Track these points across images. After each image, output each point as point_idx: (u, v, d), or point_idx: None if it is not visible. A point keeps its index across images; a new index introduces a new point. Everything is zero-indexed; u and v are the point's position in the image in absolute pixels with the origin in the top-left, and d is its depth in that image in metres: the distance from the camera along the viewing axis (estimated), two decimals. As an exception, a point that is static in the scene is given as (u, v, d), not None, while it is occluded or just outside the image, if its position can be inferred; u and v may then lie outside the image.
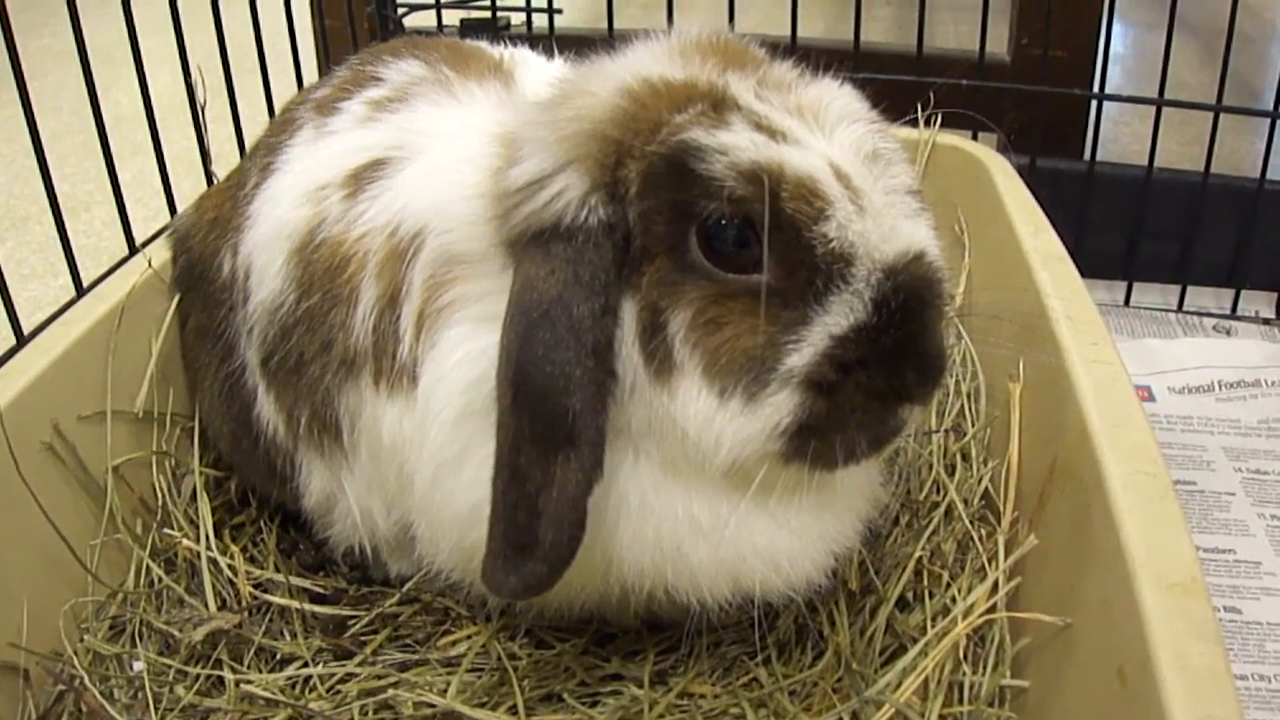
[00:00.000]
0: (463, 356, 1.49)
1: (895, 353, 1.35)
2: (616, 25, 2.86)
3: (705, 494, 1.47)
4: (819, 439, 1.38)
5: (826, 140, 1.39)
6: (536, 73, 1.82)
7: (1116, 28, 5.26)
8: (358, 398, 1.64)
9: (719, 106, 1.38)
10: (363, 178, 1.67)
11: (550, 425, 1.34)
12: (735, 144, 1.33)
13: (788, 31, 2.90)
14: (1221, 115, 2.88)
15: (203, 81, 2.32)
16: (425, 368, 1.53)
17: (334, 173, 1.70)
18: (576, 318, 1.34)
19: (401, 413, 1.58)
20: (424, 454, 1.55)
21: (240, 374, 1.82)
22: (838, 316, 1.34)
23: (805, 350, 1.34)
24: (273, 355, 1.72)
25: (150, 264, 1.99)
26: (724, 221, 1.33)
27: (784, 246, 1.34)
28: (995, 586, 1.62)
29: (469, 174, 1.50)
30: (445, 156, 1.61)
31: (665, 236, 1.37)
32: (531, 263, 1.37)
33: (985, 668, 1.58)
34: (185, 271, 1.98)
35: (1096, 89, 2.97)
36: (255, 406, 1.80)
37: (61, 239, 2.11)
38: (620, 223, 1.37)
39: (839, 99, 1.45)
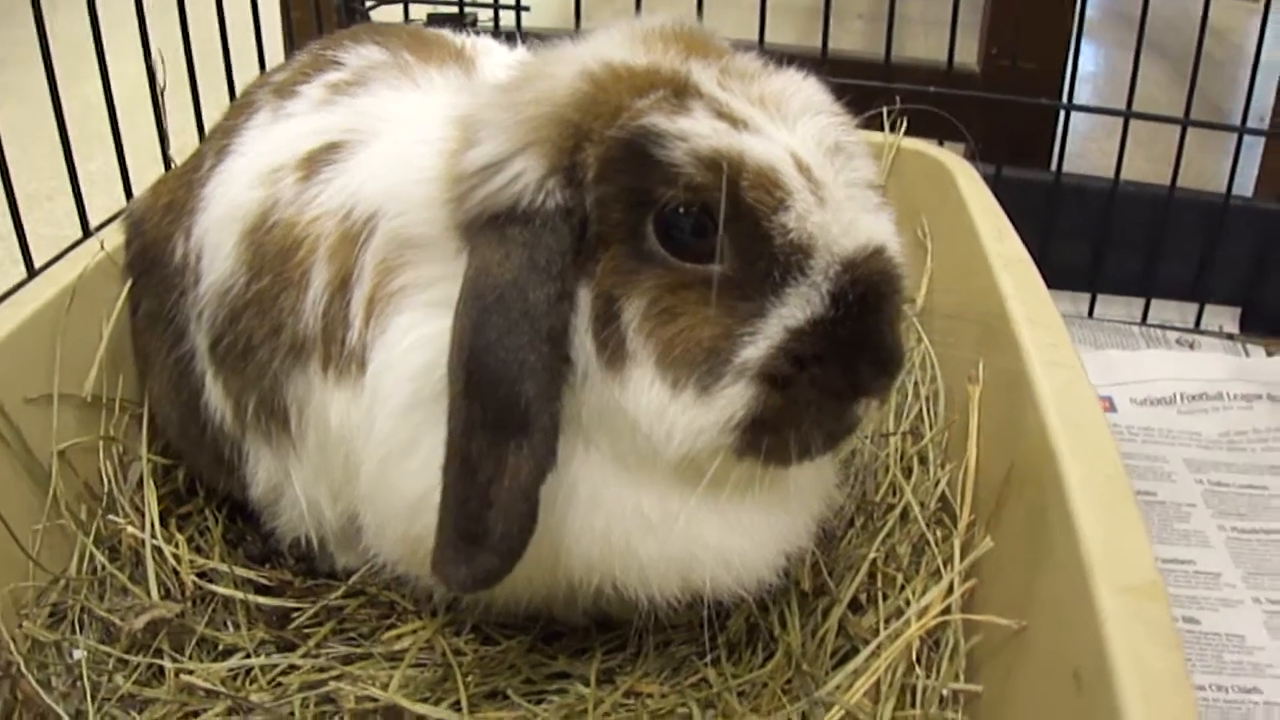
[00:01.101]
0: (412, 342, 1.47)
1: (851, 347, 1.34)
2: (590, 26, 2.84)
3: (656, 488, 1.44)
4: (772, 434, 1.37)
5: (788, 131, 1.37)
6: (498, 60, 1.81)
7: (1087, 47, 5.31)
8: (305, 384, 1.62)
9: (680, 93, 1.37)
10: (317, 160, 1.65)
11: (503, 412, 1.32)
12: (696, 131, 1.32)
13: (773, 42, 2.88)
14: (1190, 135, 2.88)
15: (163, 65, 2.29)
16: (374, 354, 1.51)
17: (289, 155, 1.68)
18: (532, 303, 1.32)
19: (349, 400, 1.56)
20: (371, 442, 1.52)
21: (189, 359, 1.79)
22: (794, 309, 1.33)
23: (760, 343, 1.33)
24: (221, 339, 1.69)
25: (103, 246, 1.95)
26: (682, 209, 1.32)
27: (742, 236, 1.32)
28: (950, 589, 1.60)
29: (424, 157, 1.48)
30: (401, 140, 1.60)
31: (622, 223, 1.35)
32: (486, 246, 1.35)
33: (938, 671, 1.56)
34: (139, 255, 1.95)
35: (1065, 101, 2.97)
36: (204, 393, 1.77)
37: (15, 223, 2.08)
38: (578, 207, 1.35)
39: (802, 90, 1.43)
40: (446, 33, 1.93)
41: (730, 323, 1.33)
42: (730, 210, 1.30)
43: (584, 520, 1.45)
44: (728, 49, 1.51)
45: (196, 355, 1.78)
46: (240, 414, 1.72)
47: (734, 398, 1.34)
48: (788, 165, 1.33)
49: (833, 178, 1.35)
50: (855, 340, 1.34)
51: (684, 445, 1.37)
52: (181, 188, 1.87)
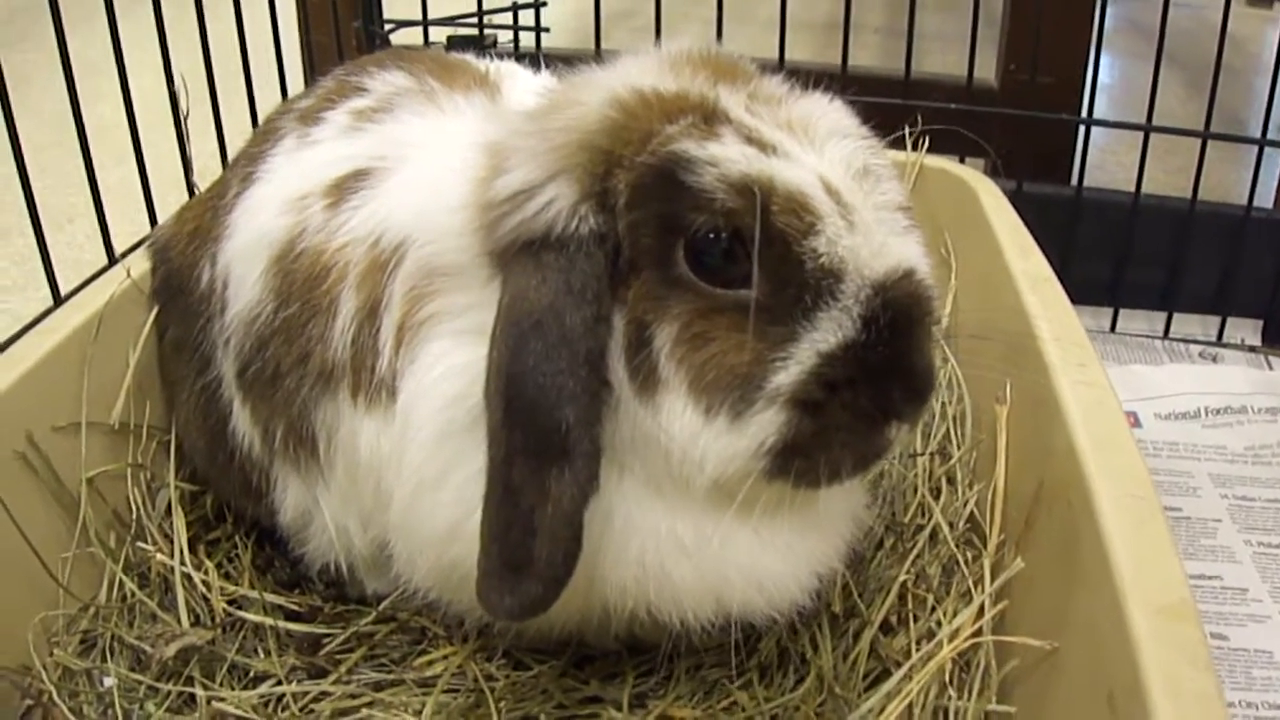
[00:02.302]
0: (444, 371, 1.47)
1: (882, 371, 1.33)
2: (609, 46, 2.85)
3: (689, 512, 1.45)
4: (803, 457, 1.36)
5: (817, 155, 1.37)
6: (523, 85, 1.81)
7: (1105, 59, 5.28)
8: (335, 412, 1.61)
9: (710, 119, 1.36)
10: (345, 187, 1.65)
11: (544, 438, 1.31)
12: (726, 156, 1.31)
13: (776, 55, 2.89)
14: (1209, 146, 2.88)
15: (185, 90, 2.30)
16: (404, 382, 1.51)
17: (316, 182, 1.68)
18: (569, 327, 1.31)
19: (379, 428, 1.56)
20: (403, 472, 1.52)
21: (216, 386, 1.79)
22: (826, 333, 1.32)
23: (793, 368, 1.32)
24: (249, 367, 1.69)
25: (129, 274, 1.96)
26: (712, 235, 1.32)
27: (773, 261, 1.31)
28: (981, 610, 1.59)
29: (453, 184, 1.47)
30: (429, 167, 1.60)
31: (653, 249, 1.35)
32: (521, 273, 1.34)
33: (971, 693, 1.55)
34: (164, 283, 1.95)
35: (1084, 115, 2.97)
36: (231, 420, 1.77)
37: (40, 249, 2.09)
38: (610, 233, 1.35)
39: (830, 114, 1.43)
40: (470, 58, 1.93)
41: (762, 348, 1.33)
42: (761, 236, 1.29)
43: (619, 545, 1.45)
44: (754, 73, 1.51)
45: (223, 383, 1.78)
46: (268, 441, 1.72)
47: (766, 424, 1.34)
48: (817, 189, 1.33)
49: (862, 201, 1.35)
50: (886, 364, 1.33)
51: (717, 470, 1.38)
52: (207, 214, 1.88)
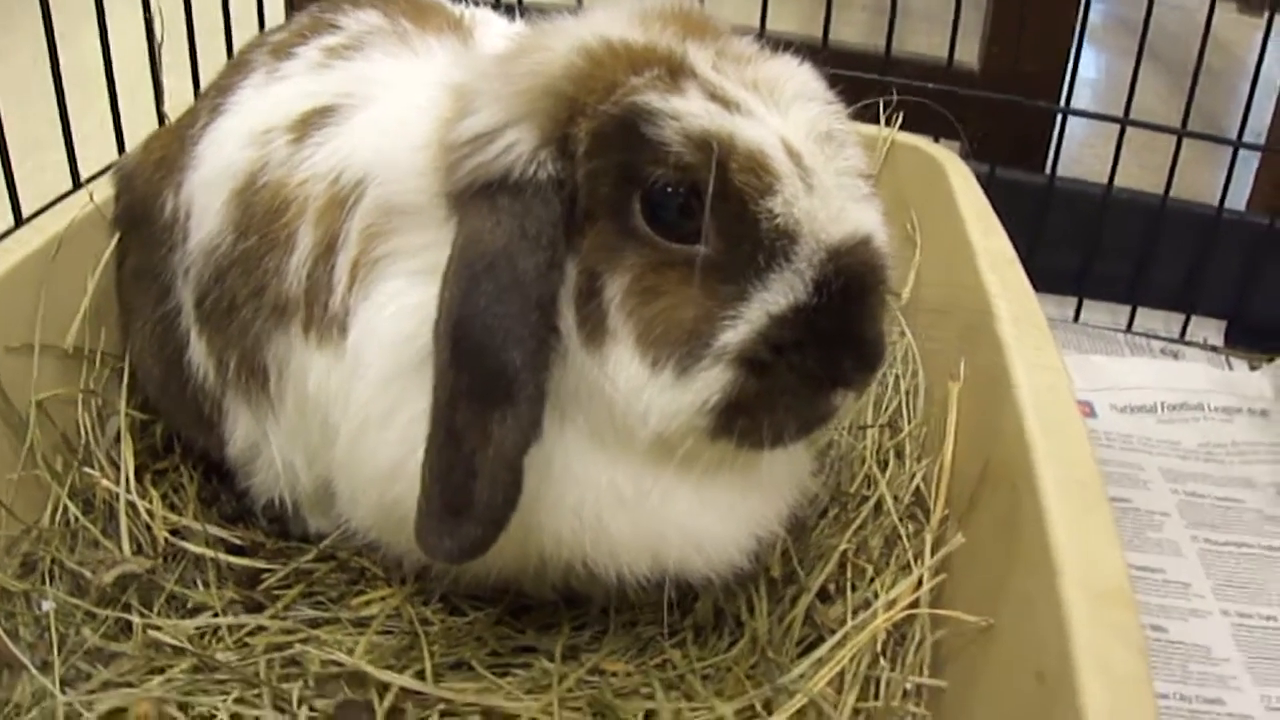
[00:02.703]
0: (396, 310, 1.47)
1: (832, 336, 1.34)
2: (588, 3, 2.85)
3: (629, 465, 1.45)
4: (747, 417, 1.37)
5: (781, 116, 1.37)
6: (496, 31, 1.80)
7: (1090, 53, 5.31)
8: (286, 345, 1.62)
9: (675, 73, 1.37)
10: (310, 123, 1.65)
11: (489, 381, 1.32)
12: (688, 110, 1.32)
13: (774, 29, 2.87)
14: (1188, 145, 2.89)
15: (162, 22, 2.28)
16: (356, 319, 1.51)
17: (281, 117, 1.68)
18: (521, 271, 1.32)
19: (329, 364, 1.56)
20: (349, 408, 1.52)
21: (174, 316, 1.79)
22: (777, 294, 1.33)
23: (741, 327, 1.33)
24: (206, 296, 1.69)
25: (91, 198, 1.95)
26: (669, 188, 1.32)
27: (728, 219, 1.32)
28: (919, 583, 1.60)
29: (416, 123, 1.47)
30: (394, 106, 1.59)
31: (610, 199, 1.35)
32: (477, 215, 1.35)
33: (903, 664, 1.56)
34: (127, 210, 1.94)
35: (1063, 105, 2.97)
36: (187, 350, 1.77)
37: (5, 172, 2.07)
38: (569, 180, 1.35)
39: (796, 76, 1.43)
40: (445, 2, 1.91)
41: (712, 305, 1.33)
42: (717, 192, 1.30)
43: (557, 494, 1.46)
44: (725, 32, 1.51)
45: (182, 312, 1.77)
46: (222, 372, 1.72)
47: (711, 381, 1.35)
48: (778, 150, 1.33)
49: (822, 165, 1.36)
50: (836, 330, 1.34)
51: (659, 425, 1.38)
52: (174, 143, 1.86)
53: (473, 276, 1.32)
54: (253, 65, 1.81)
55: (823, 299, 1.33)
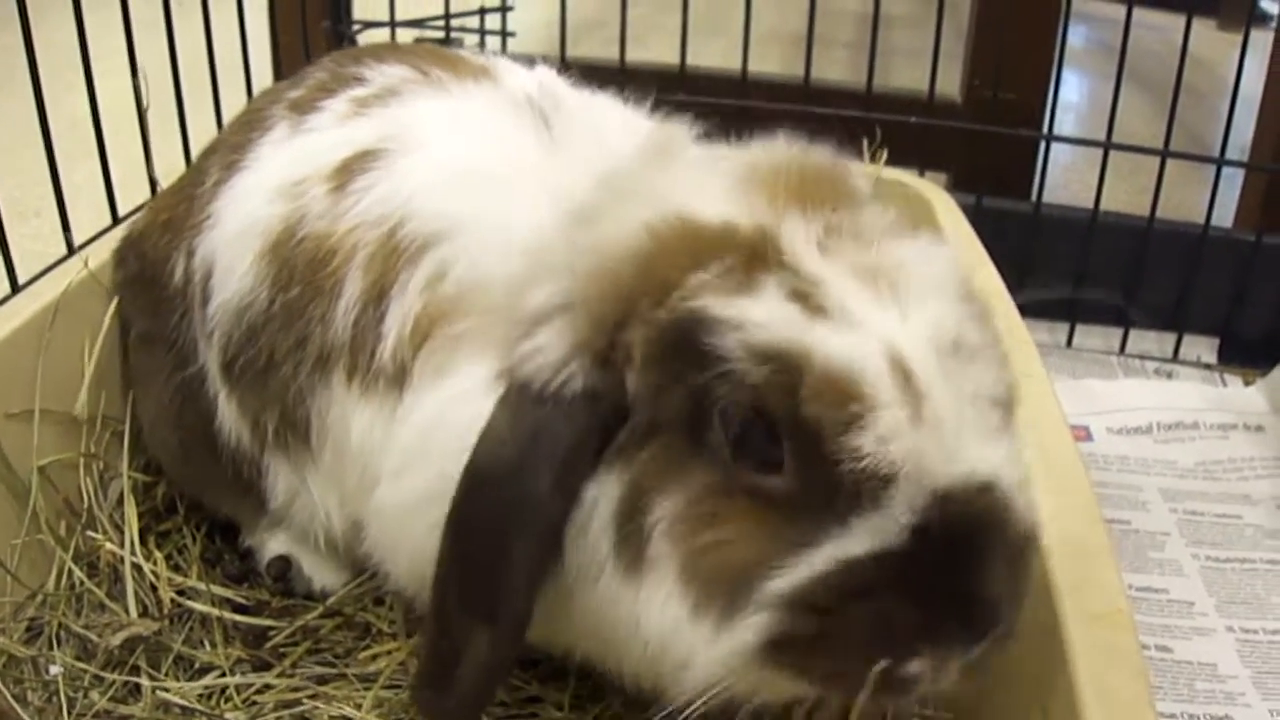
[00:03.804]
0: (475, 412, 1.29)
1: (927, 585, 1.11)
2: (577, 54, 2.87)
3: None
4: (801, 654, 1.16)
5: (899, 318, 1.15)
6: (519, 80, 1.71)
7: (1071, 77, 5.33)
8: (328, 394, 1.55)
9: (754, 262, 1.18)
10: (352, 170, 1.58)
11: (474, 592, 1.25)
12: (752, 318, 1.13)
13: (755, 71, 2.92)
14: (1173, 167, 2.91)
15: (146, 84, 2.30)
16: (424, 394, 1.41)
17: (315, 167, 1.62)
18: (527, 492, 1.20)
19: (373, 417, 1.49)
20: (401, 481, 1.42)
21: (197, 383, 1.75)
22: (858, 539, 1.11)
23: (799, 571, 1.12)
24: (238, 358, 1.65)
25: (86, 264, 1.96)
26: (739, 411, 1.14)
27: (803, 453, 1.12)
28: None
29: (525, 220, 1.38)
30: (458, 153, 1.55)
31: (681, 412, 1.18)
32: (503, 413, 1.24)
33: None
34: (137, 275, 1.91)
35: (1046, 132, 2.99)
36: (216, 416, 1.73)
37: (-1, 238, 2.09)
38: (613, 392, 1.21)
39: (932, 263, 1.22)
40: (466, 52, 1.88)
41: (771, 547, 1.14)
42: (790, 423, 1.11)
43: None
44: (856, 193, 1.32)
45: (207, 378, 1.74)
46: (260, 432, 1.68)
47: (752, 626, 1.14)
48: (877, 369, 1.11)
49: (942, 387, 1.12)
50: (934, 582, 1.11)
51: (707, 670, 1.19)
52: (182, 204, 1.83)
53: (479, 481, 1.23)
54: (271, 121, 1.75)
55: (921, 549, 1.10)
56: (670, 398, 1.18)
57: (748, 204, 1.24)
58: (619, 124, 1.63)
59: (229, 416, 1.72)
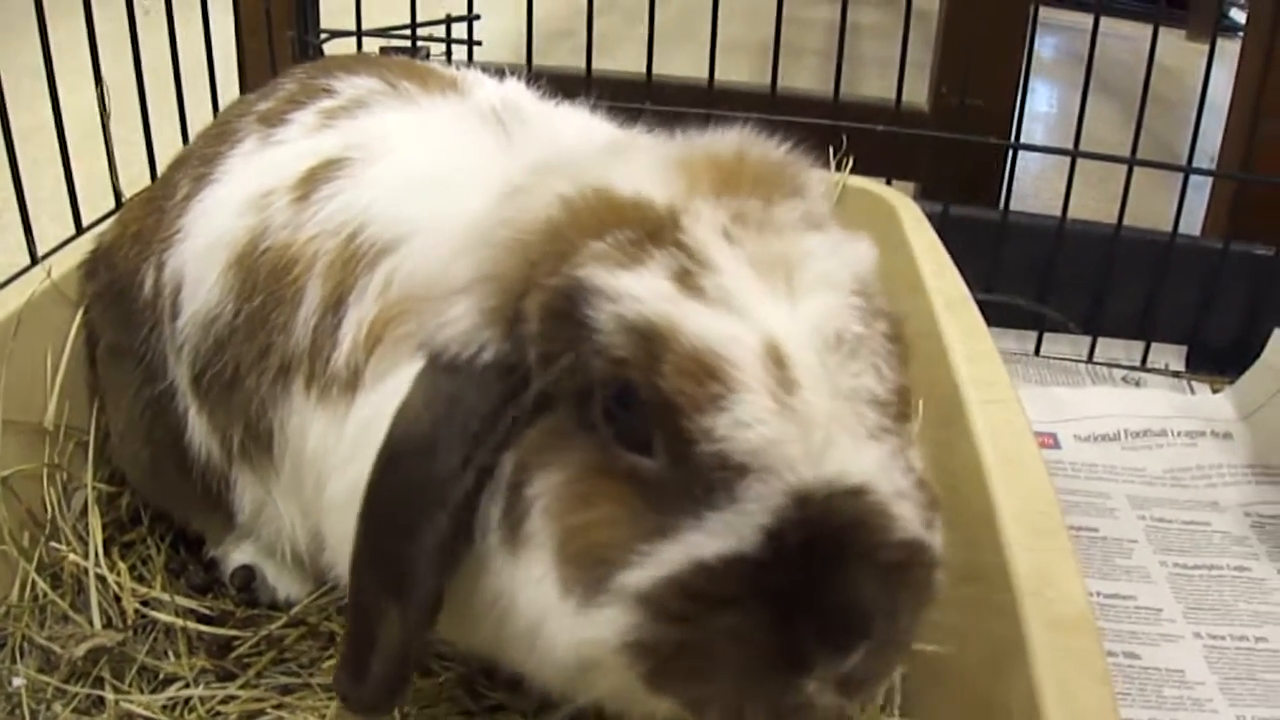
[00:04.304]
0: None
1: (786, 598, 1.04)
2: (544, 64, 2.87)
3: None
4: (685, 681, 1.10)
5: (788, 310, 1.11)
6: (485, 92, 1.71)
7: (1042, 87, 5.36)
8: (289, 404, 1.54)
9: (651, 238, 1.14)
10: (315, 179, 1.56)
11: (385, 568, 1.22)
12: (629, 291, 1.10)
13: (722, 80, 2.92)
14: (1143, 175, 2.92)
15: (108, 94, 2.29)
16: (373, 393, 1.38)
17: (281, 179, 1.60)
18: (439, 466, 1.17)
19: (327, 425, 1.46)
20: (344, 474, 1.39)
21: (167, 398, 1.74)
22: (711, 537, 1.05)
23: (648, 567, 1.07)
24: (206, 372, 1.64)
25: (49, 274, 1.95)
26: (608, 386, 1.12)
27: (670, 433, 1.08)
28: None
29: (470, 219, 1.32)
30: (421, 163, 1.54)
31: (570, 387, 1.16)
32: (418, 387, 1.22)
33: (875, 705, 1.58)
34: (107, 287, 1.90)
35: (1014, 140, 3.01)
36: (186, 431, 1.72)
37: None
38: (520, 363, 1.18)
39: (833, 257, 1.17)
40: (436, 65, 1.88)
41: (633, 532, 1.09)
42: (652, 399, 1.08)
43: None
44: (798, 190, 1.27)
45: (177, 393, 1.73)
46: (226, 445, 1.67)
47: (607, 621, 1.10)
48: (745, 354, 1.06)
49: (817, 380, 1.07)
50: (794, 591, 1.04)
51: (569, 654, 1.16)
52: (151, 215, 1.82)
53: (390, 457, 1.21)
54: (241, 134, 1.74)
55: (775, 554, 1.03)
56: (559, 370, 1.15)
57: (667, 184, 1.21)
58: (579, 131, 1.62)
59: (199, 431, 1.71)
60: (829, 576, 1.03)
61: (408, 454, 1.20)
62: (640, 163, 1.26)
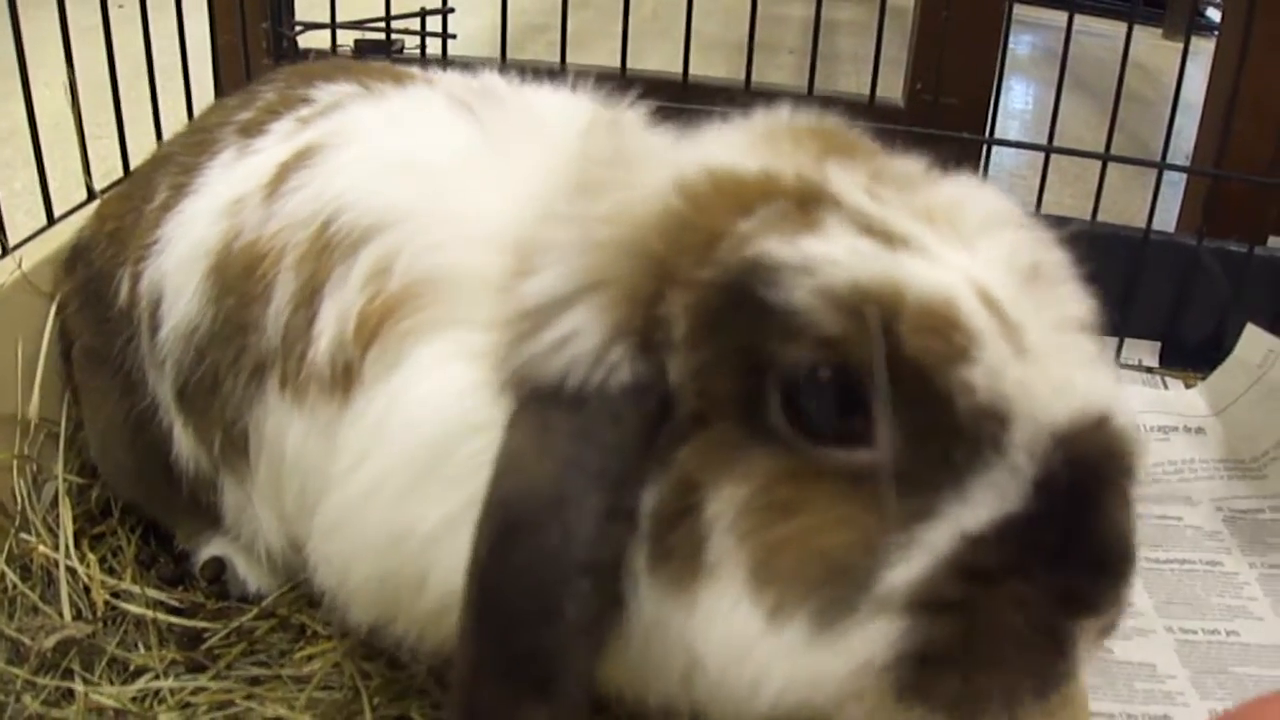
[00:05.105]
0: (447, 387, 1.19)
1: (1062, 551, 0.97)
2: (519, 59, 2.87)
3: None
4: (950, 679, 1.00)
5: (968, 252, 1.03)
6: (458, 81, 1.68)
7: (1019, 84, 5.37)
8: (264, 406, 1.45)
9: (808, 203, 1.04)
10: (285, 173, 1.50)
11: (519, 665, 1.02)
12: (827, 255, 0.98)
13: (697, 74, 2.93)
14: (1119, 172, 2.92)
15: (73, 89, 2.27)
16: (379, 390, 1.27)
17: (256, 182, 1.55)
18: (573, 524, 1.00)
19: (308, 428, 1.37)
20: (358, 473, 1.26)
21: (149, 413, 1.71)
22: (978, 506, 0.97)
23: (918, 558, 0.97)
24: (188, 383, 1.58)
25: (20, 265, 1.94)
26: (814, 375, 0.99)
27: (905, 405, 0.97)
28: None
29: (489, 202, 1.27)
30: (396, 142, 1.47)
31: (731, 395, 1.03)
32: (524, 430, 1.06)
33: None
34: (83, 285, 1.88)
35: (988, 136, 3.01)
36: (172, 448, 1.68)
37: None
38: (656, 382, 1.04)
39: (983, 199, 1.12)
40: (416, 69, 1.83)
41: (874, 527, 0.98)
42: (881, 374, 0.95)
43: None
44: (877, 150, 1.22)
45: (159, 408, 1.70)
46: (211, 453, 1.62)
47: (871, 639, 0.98)
48: (969, 298, 0.98)
49: (1033, 316, 1.01)
50: (1067, 542, 0.98)
51: (784, 696, 1.02)
52: (129, 214, 1.79)
53: (509, 525, 1.03)
54: (220, 145, 1.71)
55: (1046, 505, 0.97)
56: (720, 376, 1.03)
57: (780, 155, 1.11)
58: (557, 110, 1.52)
59: (185, 446, 1.68)
60: (1092, 513, 0.98)
61: (529, 518, 1.02)
62: (736, 139, 1.18)
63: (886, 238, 1.00)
